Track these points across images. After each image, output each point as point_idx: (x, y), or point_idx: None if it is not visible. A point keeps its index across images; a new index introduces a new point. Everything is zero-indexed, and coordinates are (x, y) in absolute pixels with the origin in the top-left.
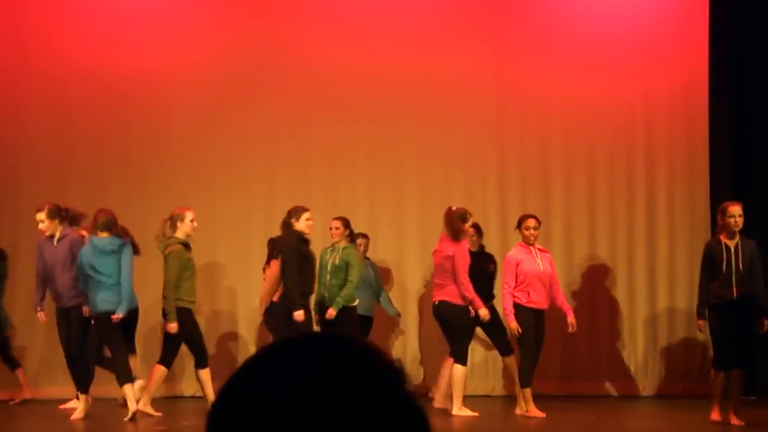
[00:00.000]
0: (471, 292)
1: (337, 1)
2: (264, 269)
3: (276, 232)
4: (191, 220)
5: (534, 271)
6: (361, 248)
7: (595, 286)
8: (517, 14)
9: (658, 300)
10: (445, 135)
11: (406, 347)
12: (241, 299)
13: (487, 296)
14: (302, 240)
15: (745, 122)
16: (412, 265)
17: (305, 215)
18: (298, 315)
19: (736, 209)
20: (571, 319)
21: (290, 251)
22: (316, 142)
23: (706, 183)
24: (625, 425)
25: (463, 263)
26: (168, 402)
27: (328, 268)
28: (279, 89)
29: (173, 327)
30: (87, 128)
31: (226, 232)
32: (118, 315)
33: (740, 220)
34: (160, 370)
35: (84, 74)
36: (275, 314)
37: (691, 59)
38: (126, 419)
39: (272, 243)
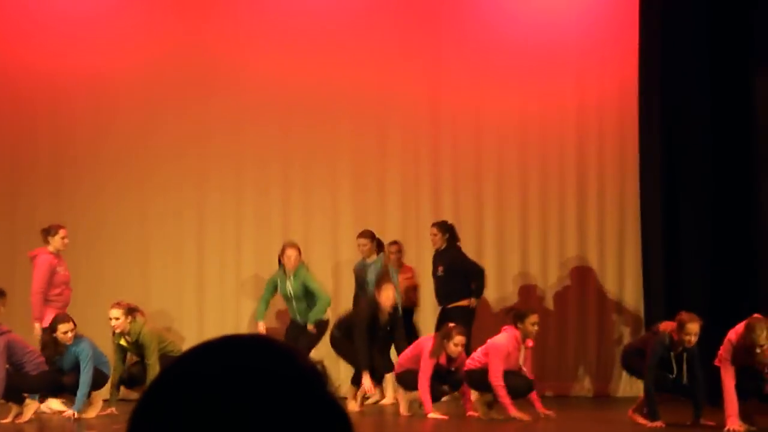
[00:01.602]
0: None
1: (271, 5)
2: None
3: (207, 232)
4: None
5: (510, 366)
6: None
7: (528, 294)
8: (451, 21)
9: (589, 306)
10: (379, 141)
11: None
12: (172, 298)
13: None
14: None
15: (673, 127)
16: (347, 269)
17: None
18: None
19: (694, 328)
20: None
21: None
22: (249, 144)
23: (635, 189)
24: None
25: None
26: None
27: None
28: (211, 91)
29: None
30: (13, 130)
31: (159, 233)
32: None
33: (695, 339)
34: None
35: (13, 75)
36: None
37: (622, 65)
38: None
39: None
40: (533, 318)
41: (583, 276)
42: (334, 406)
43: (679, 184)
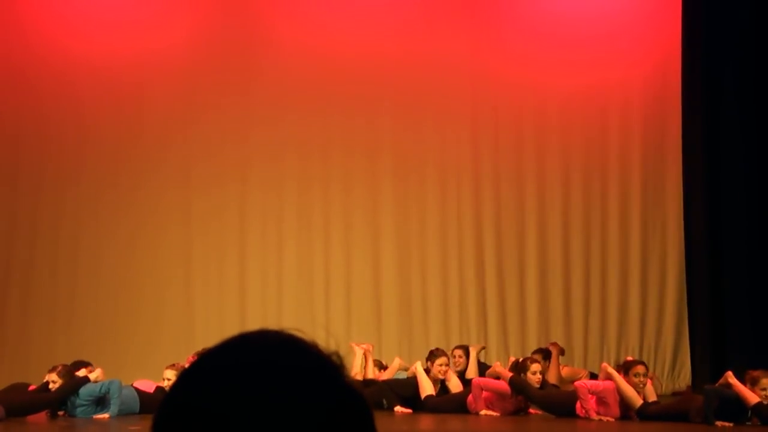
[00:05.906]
0: None
1: None
2: None
3: (249, 227)
4: None
5: None
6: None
7: (569, 283)
8: (496, 9)
9: (630, 296)
10: (420, 129)
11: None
12: (213, 293)
13: None
14: None
15: (720, 113)
16: (387, 257)
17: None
18: None
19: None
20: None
21: None
22: (290, 134)
23: (678, 177)
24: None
25: None
26: None
27: None
28: (252, 82)
29: None
30: (58, 124)
31: (201, 229)
32: None
33: None
34: None
35: (55, 67)
36: None
37: (663, 53)
38: None
39: None
40: (637, 369)
41: (622, 265)
42: (353, 394)
43: (723, 168)
